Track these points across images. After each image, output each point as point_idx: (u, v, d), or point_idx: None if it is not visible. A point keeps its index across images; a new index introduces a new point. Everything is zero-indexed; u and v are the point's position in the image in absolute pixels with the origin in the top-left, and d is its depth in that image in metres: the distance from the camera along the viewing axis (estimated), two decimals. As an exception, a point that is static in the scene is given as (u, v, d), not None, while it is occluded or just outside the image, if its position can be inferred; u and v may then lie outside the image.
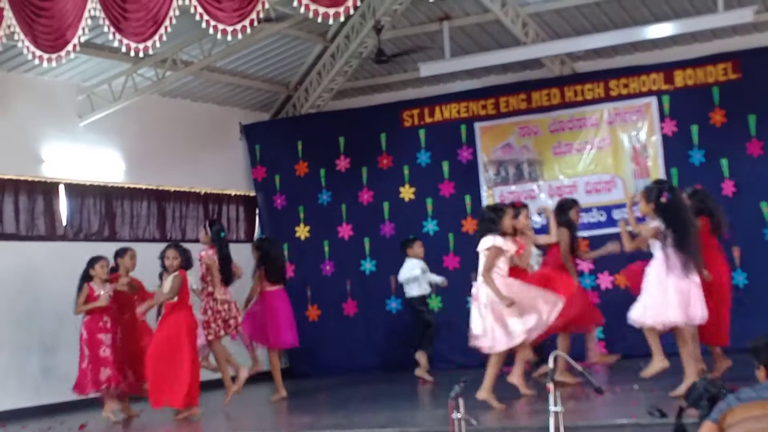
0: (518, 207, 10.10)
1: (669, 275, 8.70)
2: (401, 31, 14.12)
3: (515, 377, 9.52)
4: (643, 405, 8.11)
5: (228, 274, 11.03)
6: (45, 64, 9.59)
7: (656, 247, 8.82)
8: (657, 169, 13.15)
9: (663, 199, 8.78)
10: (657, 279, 8.78)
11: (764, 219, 12.65)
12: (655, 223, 8.80)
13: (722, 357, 9.79)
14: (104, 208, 13.19)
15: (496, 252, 9.04)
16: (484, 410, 8.84)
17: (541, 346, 10.32)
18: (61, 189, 12.69)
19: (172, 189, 14.12)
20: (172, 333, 10.27)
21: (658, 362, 8.93)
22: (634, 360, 10.83)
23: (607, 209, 13.28)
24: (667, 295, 8.69)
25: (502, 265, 9.12)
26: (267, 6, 8.65)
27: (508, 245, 9.16)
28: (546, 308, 9.13)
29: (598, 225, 13.27)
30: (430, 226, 14.20)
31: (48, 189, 12.53)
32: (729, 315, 9.70)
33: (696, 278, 8.75)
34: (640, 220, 9.32)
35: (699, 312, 8.75)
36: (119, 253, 11.07)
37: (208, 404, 11.10)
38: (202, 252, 11.07)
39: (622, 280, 11.46)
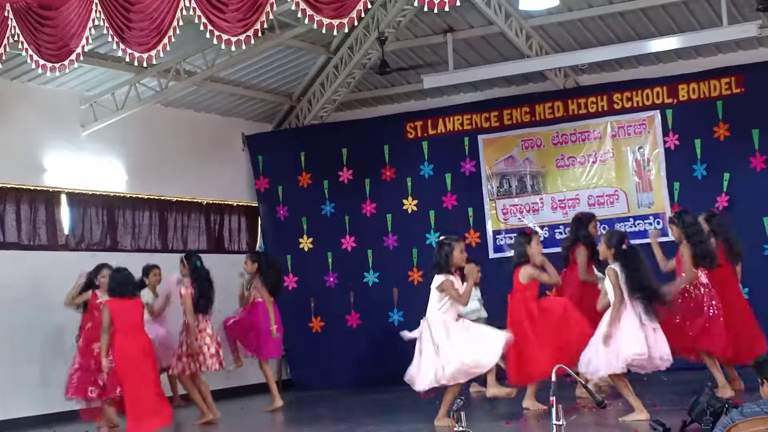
0: (528, 234, 9.99)
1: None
2: (405, 43, 14.12)
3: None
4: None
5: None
6: (48, 73, 9.57)
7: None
8: (660, 183, 13.12)
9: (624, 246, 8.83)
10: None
11: (766, 234, 12.59)
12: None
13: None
14: (106, 218, 13.17)
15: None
16: (486, 424, 8.81)
17: None
18: (63, 198, 12.67)
19: (174, 199, 14.10)
20: None
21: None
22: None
23: (610, 222, 13.19)
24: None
25: None
26: (271, 16, 8.64)
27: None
28: None
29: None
30: (433, 238, 14.15)
31: (50, 198, 12.51)
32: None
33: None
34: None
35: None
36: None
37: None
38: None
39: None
